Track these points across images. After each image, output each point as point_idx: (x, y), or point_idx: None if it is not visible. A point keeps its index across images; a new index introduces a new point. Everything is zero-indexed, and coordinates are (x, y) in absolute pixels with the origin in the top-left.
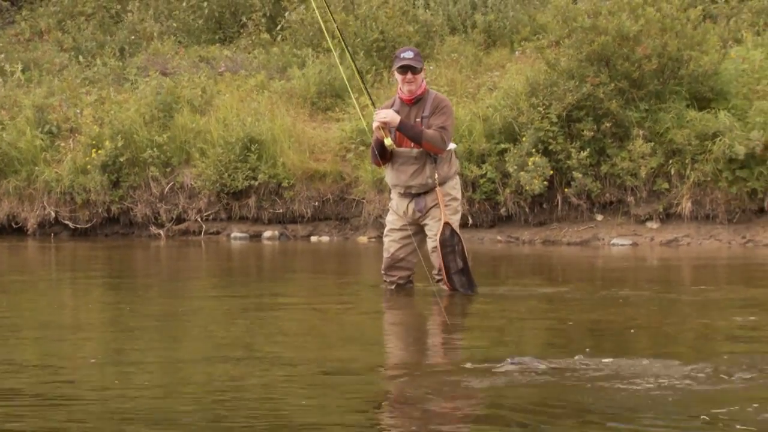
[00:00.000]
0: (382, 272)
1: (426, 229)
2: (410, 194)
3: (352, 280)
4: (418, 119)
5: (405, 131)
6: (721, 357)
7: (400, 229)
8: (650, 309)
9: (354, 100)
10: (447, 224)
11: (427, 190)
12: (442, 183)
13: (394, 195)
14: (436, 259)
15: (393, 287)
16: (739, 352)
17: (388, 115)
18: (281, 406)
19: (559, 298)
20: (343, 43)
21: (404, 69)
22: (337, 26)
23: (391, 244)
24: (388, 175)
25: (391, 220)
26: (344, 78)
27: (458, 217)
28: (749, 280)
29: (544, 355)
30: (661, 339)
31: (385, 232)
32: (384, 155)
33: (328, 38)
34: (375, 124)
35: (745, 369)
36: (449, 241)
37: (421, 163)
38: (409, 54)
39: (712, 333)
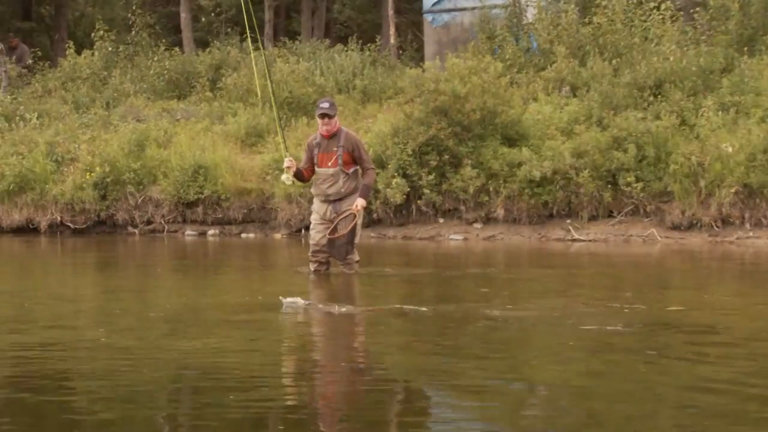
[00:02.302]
0: (310, 255)
1: (359, 218)
2: (329, 201)
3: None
4: (335, 148)
5: (366, 194)
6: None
7: (321, 224)
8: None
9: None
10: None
11: (341, 197)
12: (351, 193)
13: (316, 201)
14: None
15: (316, 265)
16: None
17: (293, 165)
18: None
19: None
20: (272, 98)
21: (322, 116)
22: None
23: (315, 234)
24: (313, 187)
25: (315, 218)
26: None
27: (361, 220)
28: (540, 263)
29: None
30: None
31: (311, 227)
32: (301, 178)
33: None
34: (285, 164)
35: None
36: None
37: (336, 179)
38: (326, 105)
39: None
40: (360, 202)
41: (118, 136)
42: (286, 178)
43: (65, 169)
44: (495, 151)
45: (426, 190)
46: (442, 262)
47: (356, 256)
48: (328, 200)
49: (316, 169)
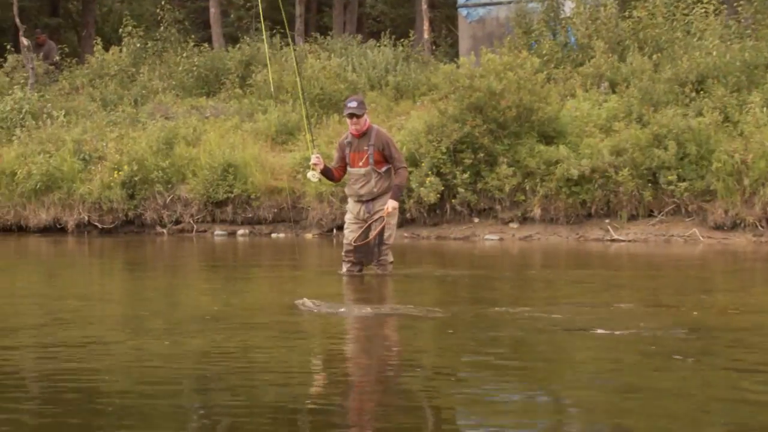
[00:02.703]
0: (343, 255)
1: (386, 221)
2: (362, 201)
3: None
4: (366, 147)
5: (397, 194)
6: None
7: (355, 223)
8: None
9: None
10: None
11: (374, 197)
12: (384, 192)
13: (350, 201)
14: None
15: (349, 266)
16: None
17: (320, 162)
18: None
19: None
20: (302, 96)
21: (350, 115)
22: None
23: (349, 234)
24: (347, 187)
25: (349, 218)
26: (304, 121)
27: (395, 220)
28: (578, 264)
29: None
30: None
31: (345, 226)
32: (330, 177)
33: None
34: (311, 161)
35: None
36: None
37: (367, 179)
38: (354, 104)
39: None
40: (391, 204)
41: (146, 134)
42: (312, 175)
43: (93, 168)
44: (531, 149)
45: (460, 189)
46: (477, 263)
47: (390, 257)
48: (361, 200)
49: (348, 168)
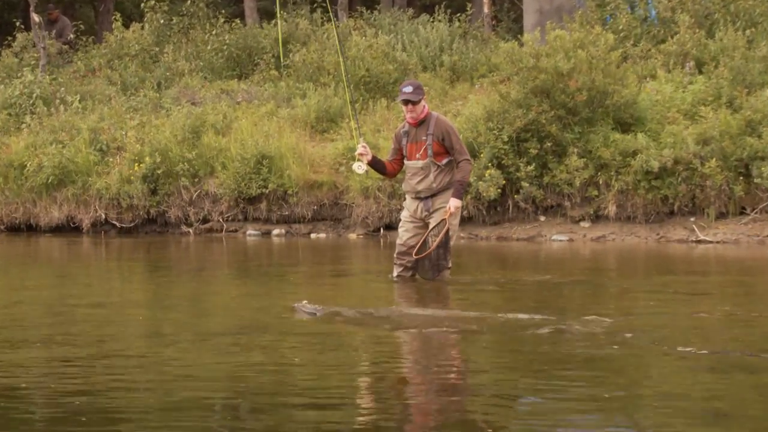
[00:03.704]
0: (395, 257)
1: (448, 223)
2: (420, 197)
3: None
4: (424, 137)
5: (460, 192)
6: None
7: (411, 222)
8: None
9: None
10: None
11: (433, 194)
12: (445, 188)
13: (407, 198)
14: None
15: (401, 269)
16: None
17: (366, 153)
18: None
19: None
20: (345, 80)
21: (405, 102)
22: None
23: (404, 233)
24: (404, 183)
25: (405, 215)
26: (348, 106)
27: (457, 220)
28: (659, 268)
29: None
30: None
31: (399, 225)
32: (382, 170)
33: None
34: (357, 151)
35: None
36: (444, 239)
37: (426, 173)
38: (409, 89)
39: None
40: (453, 203)
41: (170, 122)
42: (358, 166)
43: (111, 160)
44: (605, 138)
45: (524, 184)
46: (542, 266)
47: (449, 262)
48: (418, 197)
49: (405, 162)
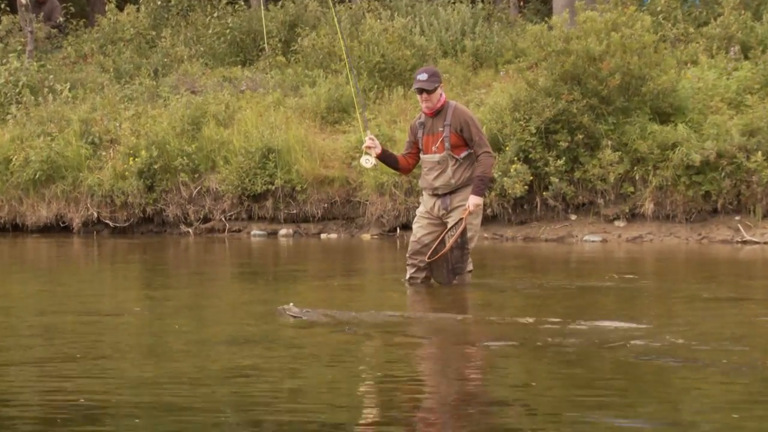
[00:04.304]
0: (407, 257)
1: (465, 223)
2: (437, 194)
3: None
4: (441, 128)
5: (481, 189)
6: None
7: (426, 218)
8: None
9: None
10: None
11: (452, 191)
12: (465, 185)
13: (424, 194)
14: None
15: (413, 270)
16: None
17: (375, 145)
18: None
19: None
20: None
21: (420, 90)
22: (345, 51)
23: (418, 229)
24: (420, 179)
25: (420, 211)
26: (353, 95)
27: (478, 220)
28: (701, 272)
29: None
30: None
31: (414, 220)
32: (394, 165)
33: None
34: (365, 144)
35: None
36: (461, 239)
37: (443, 167)
38: (423, 76)
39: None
40: (473, 201)
41: (168, 112)
42: (366, 160)
43: (103, 154)
44: (642, 129)
45: (554, 179)
46: (574, 269)
47: (469, 265)
48: (436, 194)
49: (421, 156)
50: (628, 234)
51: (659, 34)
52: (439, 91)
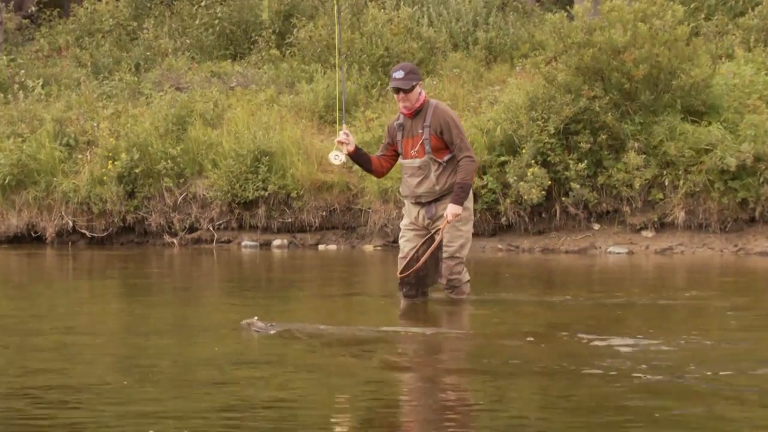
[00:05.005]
0: (397, 274)
1: (442, 234)
2: (420, 203)
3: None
4: (420, 131)
5: (460, 197)
6: None
7: (412, 230)
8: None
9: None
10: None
11: (436, 198)
12: (450, 191)
13: (406, 203)
14: (445, 269)
15: (406, 288)
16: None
17: (348, 142)
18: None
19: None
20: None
21: (395, 90)
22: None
23: (405, 244)
24: (401, 186)
25: (405, 223)
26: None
27: (469, 226)
28: (738, 287)
29: None
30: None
31: (399, 235)
32: (366, 166)
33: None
34: (338, 138)
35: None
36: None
37: (424, 173)
38: (400, 74)
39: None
40: (451, 210)
41: (151, 111)
42: (335, 156)
43: (80, 157)
44: (672, 129)
45: (575, 185)
46: (596, 284)
47: (465, 276)
48: (419, 202)
49: (401, 160)
50: (656, 245)
51: (691, 26)
52: (417, 89)
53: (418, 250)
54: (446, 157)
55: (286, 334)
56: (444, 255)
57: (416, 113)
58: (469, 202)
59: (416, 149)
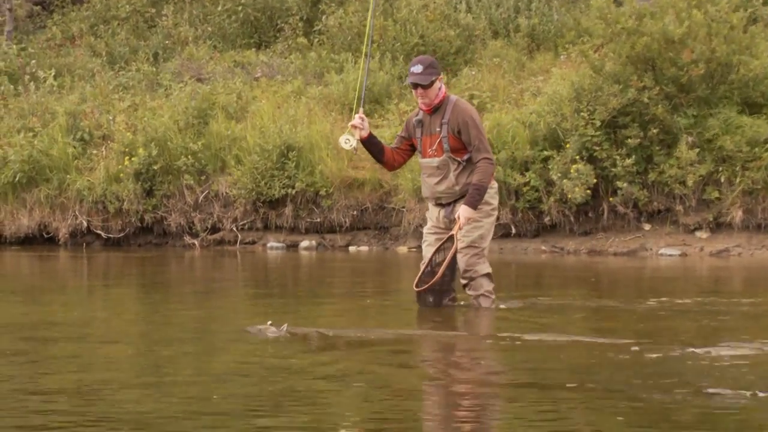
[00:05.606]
0: (414, 288)
1: (456, 244)
2: (440, 204)
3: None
4: (438, 128)
5: (474, 199)
6: None
7: (434, 234)
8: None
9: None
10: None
11: (457, 198)
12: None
13: (429, 206)
14: (461, 259)
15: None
16: None
17: (362, 127)
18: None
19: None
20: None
21: (414, 85)
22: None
23: (428, 249)
24: (422, 187)
25: (428, 228)
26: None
27: (491, 220)
28: None
29: None
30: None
31: (422, 240)
32: (378, 157)
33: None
34: (352, 122)
35: None
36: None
37: (443, 172)
38: (418, 68)
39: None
40: (465, 213)
41: (170, 104)
42: (346, 140)
43: (94, 152)
44: (728, 123)
45: (622, 182)
46: (647, 288)
47: (484, 268)
48: (440, 203)
49: (420, 159)
50: (711, 247)
51: (749, 12)
52: (437, 84)
53: (431, 260)
54: (466, 156)
55: (304, 338)
56: (461, 245)
57: (435, 109)
58: (493, 198)
59: (434, 148)
